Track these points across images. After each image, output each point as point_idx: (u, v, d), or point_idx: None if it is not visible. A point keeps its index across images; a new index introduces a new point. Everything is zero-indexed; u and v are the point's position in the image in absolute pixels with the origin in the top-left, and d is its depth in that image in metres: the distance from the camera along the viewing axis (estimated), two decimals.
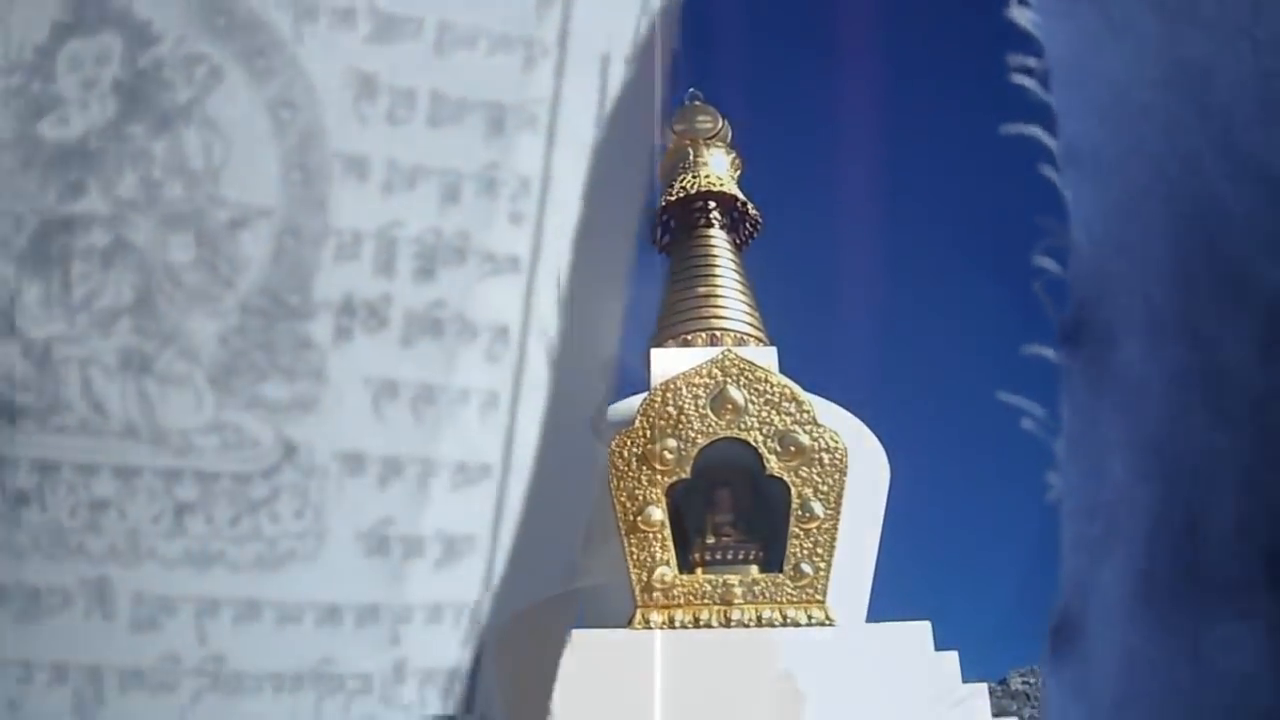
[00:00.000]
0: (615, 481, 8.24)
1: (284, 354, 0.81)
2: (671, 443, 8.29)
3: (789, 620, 7.98)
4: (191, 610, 0.82)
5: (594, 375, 0.95)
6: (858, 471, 8.43)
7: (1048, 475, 0.74)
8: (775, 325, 10.36)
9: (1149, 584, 0.69)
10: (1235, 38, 0.65)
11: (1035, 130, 0.76)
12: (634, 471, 8.22)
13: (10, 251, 0.80)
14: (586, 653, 7.62)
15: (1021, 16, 0.76)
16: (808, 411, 8.44)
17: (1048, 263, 0.75)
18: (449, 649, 0.89)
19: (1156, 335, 0.70)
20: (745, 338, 9.76)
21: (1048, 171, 0.75)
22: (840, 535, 8.18)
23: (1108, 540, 0.72)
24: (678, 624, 7.98)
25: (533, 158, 0.88)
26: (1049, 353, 0.75)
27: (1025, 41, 0.76)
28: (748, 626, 7.95)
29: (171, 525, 0.80)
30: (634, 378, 9.39)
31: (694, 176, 10.74)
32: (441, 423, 0.87)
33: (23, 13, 0.80)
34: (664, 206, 10.67)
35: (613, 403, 9.92)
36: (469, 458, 0.88)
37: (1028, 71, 0.76)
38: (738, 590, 8.09)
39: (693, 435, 8.33)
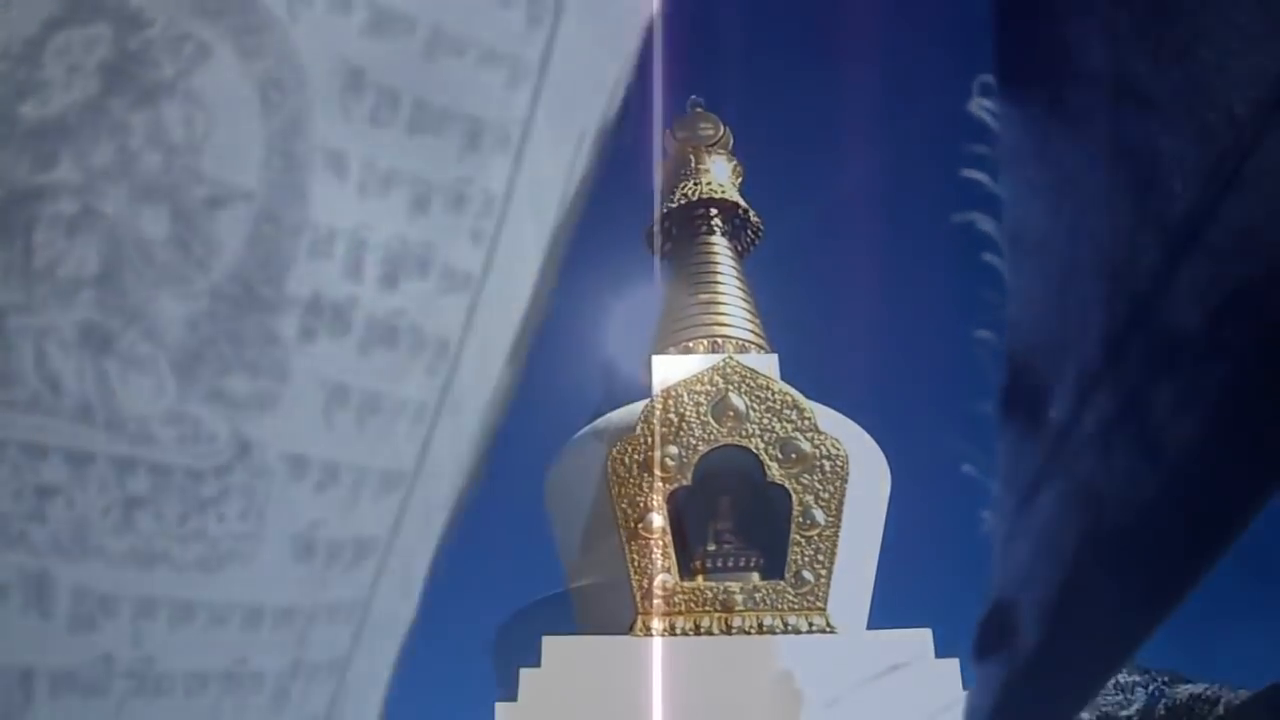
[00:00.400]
0: (616, 488, 8.25)
1: (251, 347, 0.79)
2: (673, 449, 8.30)
3: (790, 627, 7.98)
4: (130, 611, 0.80)
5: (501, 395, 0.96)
6: (859, 478, 8.43)
7: (982, 512, 0.83)
8: (776, 332, 10.38)
9: (1074, 590, 0.78)
10: (1183, 119, 0.68)
11: (982, 218, 0.82)
12: (635, 478, 8.22)
13: None
14: (586, 659, 7.64)
15: (978, 107, 0.80)
16: (809, 418, 8.44)
17: (987, 334, 0.82)
18: (336, 645, 0.91)
19: (1086, 389, 0.76)
20: (747, 345, 9.76)
21: (990, 258, 0.82)
22: (841, 542, 8.19)
23: (1035, 560, 0.81)
24: (679, 631, 7.98)
25: (500, 177, 0.89)
26: (988, 408, 0.83)
27: (980, 130, 0.81)
28: (749, 633, 7.95)
29: (120, 519, 0.77)
30: (634, 384, 9.40)
31: (695, 184, 10.76)
32: (381, 433, 0.87)
33: (15, 12, 0.79)
34: (665, 213, 10.69)
35: (611, 410, 9.89)
36: (391, 466, 0.89)
37: (980, 160, 0.80)
38: (739, 597, 8.09)
39: (694, 442, 8.34)
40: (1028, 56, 0.81)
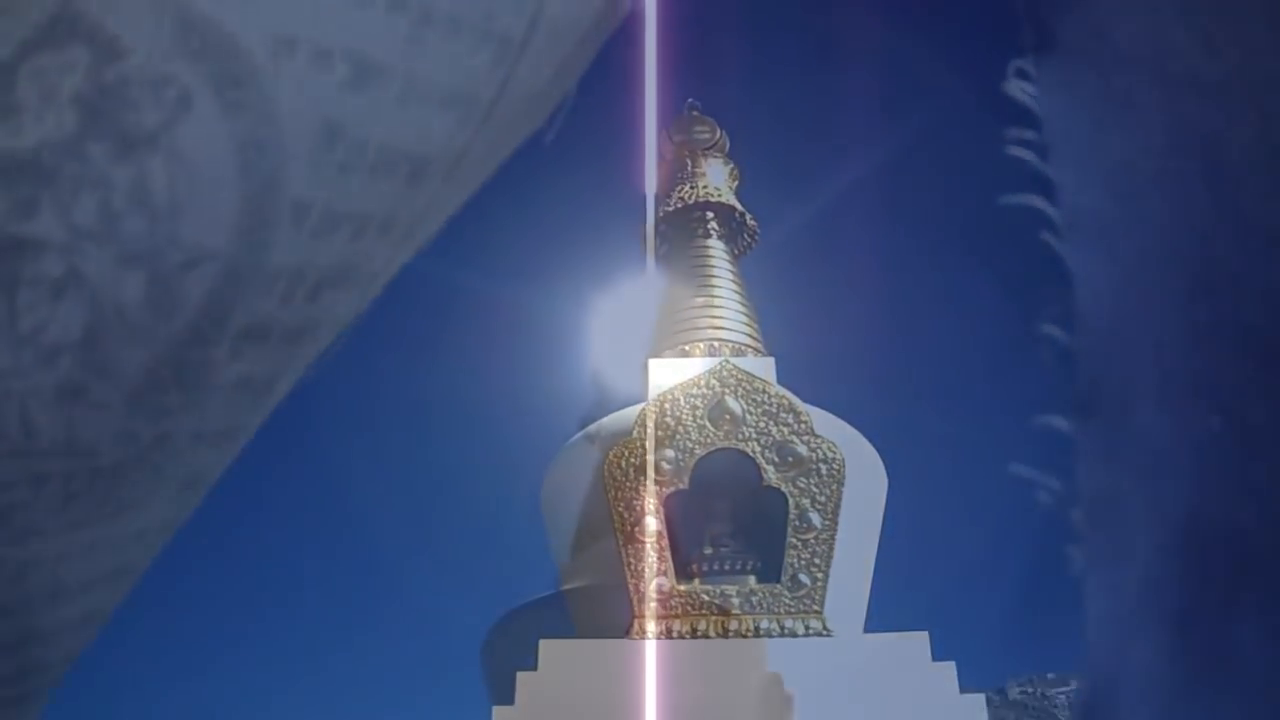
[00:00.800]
0: (613, 492, 8.25)
1: (189, 373, 0.84)
2: (669, 453, 8.29)
3: (786, 631, 7.98)
4: (52, 556, 0.92)
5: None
6: (855, 482, 8.44)
7: (1069, 549, 0.71)
8: (773, 335, 10.38)
9: (1188, 667, 0.66)
10: (1242, 107, 0.63)
11: (1035, 200, 0.73)
12: (631, 482, 8.22)
13: None
14: (583, 662, 7.64)
15: (1018, 90, 0.74)
16: (805, 422, 8.45)
17: (1054, 330, 0.72)
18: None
19: (1174, 401, 0.67)
20: (743, 348, 9.77)
21: (1049, 238, 0.73)
22: (838, 546, 8.19)
23: (1137, 618, 0.69)
24: (675, 634, 7.97)
25: (424, 202, 0.91)
26: (1061, 422, 0.72)
27: (1024, 114, 0.74)
28: (745, 637, 7.95)
29: (59, 508, 0.87)
30: (631, 388, 9.40)
31: (692, 187, 10.77)
32: (258, 405, 0.96)
33: None
34: (662, 216, 10.69)
35: (607, 414, 9.85)
36: (235, 423, 0.99)
37: (1026, 144, 0.73)
38: (735, 601, 8.09)
39: (690, 446, 8.34)
40: (1071, 33, 0.75)
